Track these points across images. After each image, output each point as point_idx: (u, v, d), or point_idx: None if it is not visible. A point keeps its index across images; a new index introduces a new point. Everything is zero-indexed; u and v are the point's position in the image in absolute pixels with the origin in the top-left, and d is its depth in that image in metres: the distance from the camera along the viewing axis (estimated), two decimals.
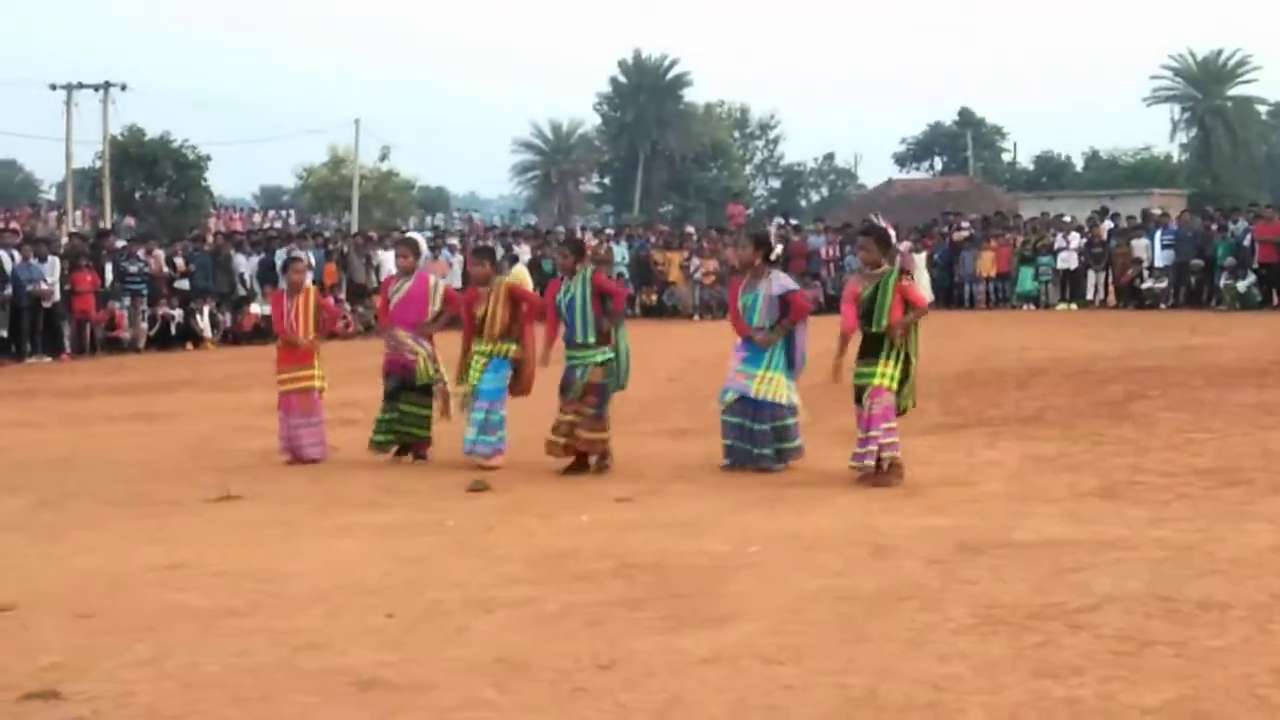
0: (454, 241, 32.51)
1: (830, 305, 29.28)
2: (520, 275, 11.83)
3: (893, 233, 10.50)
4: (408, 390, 11.41)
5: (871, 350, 9.89)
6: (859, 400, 9.91)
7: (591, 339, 10.62)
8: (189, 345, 25.83)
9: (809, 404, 10.93)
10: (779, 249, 11.56)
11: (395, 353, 11.51)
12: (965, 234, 32.88)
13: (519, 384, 11.20)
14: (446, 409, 11.47)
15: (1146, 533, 7.98)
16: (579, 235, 13.06)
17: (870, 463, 9.80)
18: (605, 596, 6.80)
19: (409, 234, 14.93)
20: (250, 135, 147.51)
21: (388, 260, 29.54)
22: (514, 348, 11.11)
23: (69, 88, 42.77)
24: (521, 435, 11.16)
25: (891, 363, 9.82)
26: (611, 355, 10.68)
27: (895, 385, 9.82)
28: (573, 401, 10.57)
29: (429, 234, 34.22)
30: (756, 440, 10.48)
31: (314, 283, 12.39)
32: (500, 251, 30.17)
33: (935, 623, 6.19)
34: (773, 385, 10.47)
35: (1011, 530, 8.12)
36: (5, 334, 23.29)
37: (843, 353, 10.09)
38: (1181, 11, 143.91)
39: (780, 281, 10.82)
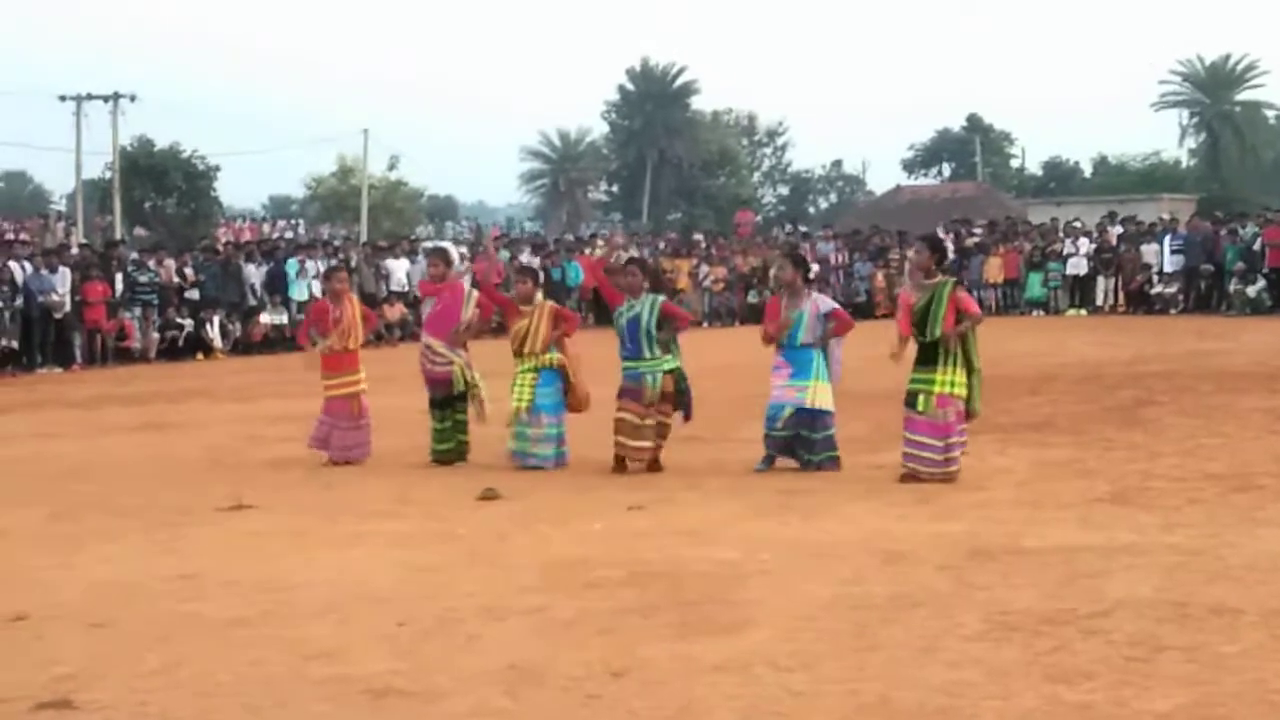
0: (463, 249, 32.47)
1: None
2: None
3: (950, 244, 10.96)
4: (455, 399, 11.67)
5: (928, 358, 10.16)
6: (911, 404, 10.13)
7: (656, 354, 10.98)
8: (199, 355, 25.87)
9: None
10: (816, 268, 12.24)
11: (431, 367, 11.66)
12: (976, 239, 32.83)
13: (574, 401, 11.46)
14: (482, 413, 11.67)
15: (1158, 538, 7.98)
16: (647, 259, 13.51)
17: (955, 469, 10.08)
18: (617, 604, 6.80)
19: (439, 243, 15.04)
20: (259, 145, 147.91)
21: (397, 269, 29.59)
22: (556, 355, 11.39)
23: (78, 99, 42.90)
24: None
25: (952, 369, 10.09)
26: (678, 363, 11.10)
27: (964, 390, 10.12)
28: (650, 406, 10.93)
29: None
30: (814, 448, 10.73)
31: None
32: (506, 257, 30.29)
33: (947, 629, 6.19)
34: (822, 394, 10.75)
35: (1023, 536, 8.12)
36: (16, 345, 23.34)
37: (903, 347, 10.40)
38: (1190, 17, 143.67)
39: (825, 302, 11.27)
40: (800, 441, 10.76)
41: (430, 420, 11.77)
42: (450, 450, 11.66)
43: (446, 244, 14.55)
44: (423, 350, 11.78)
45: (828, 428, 10.77)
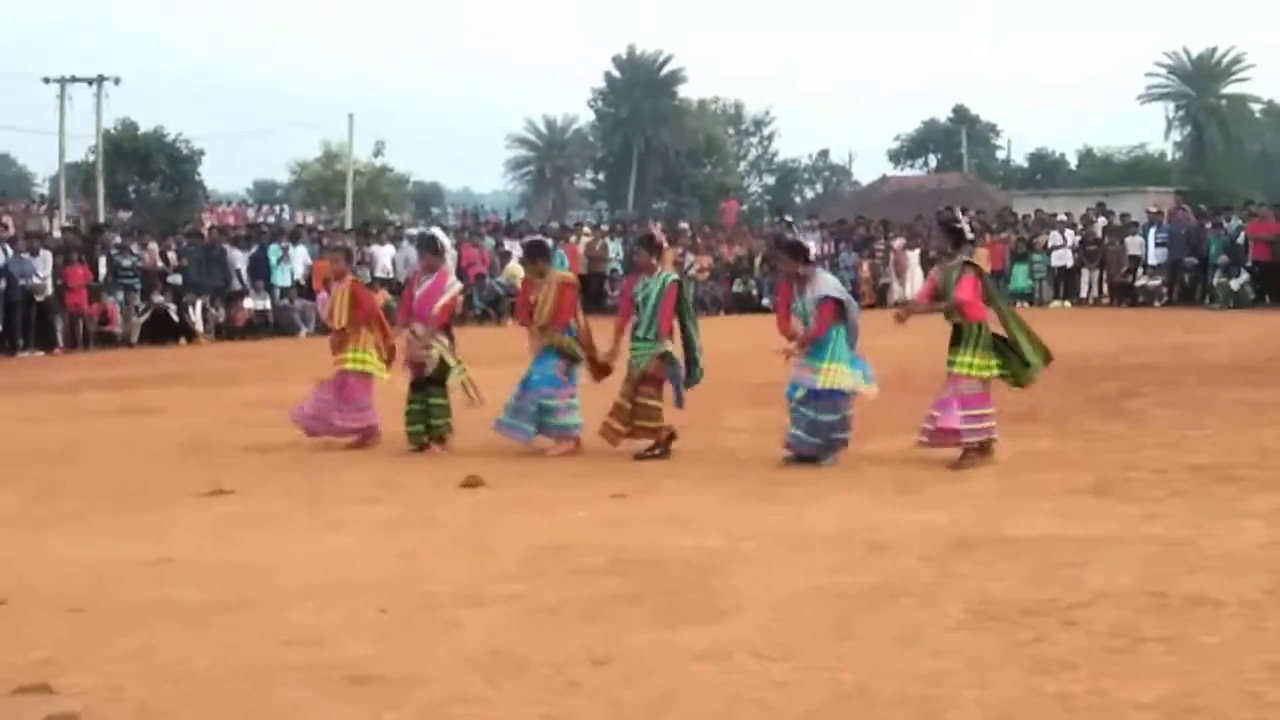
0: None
1: None
2: (514, 271, 11.94)
3: (964, 225, 11.33)
4: (429, 383, 11.70)
5: (953, 338, 10.50)
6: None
7: (651, 335, 11.05)
8: (181, 340, 25.75)
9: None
10: (814, 250, 11.85)
11: (411, 354, 11.75)
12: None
13: (595, 369, 11.48)
14: (477, 395, 11.71)
15: (1139, 529, 7.99)
16: (653, 233, 13.18)
17: (977, 439, 10.38)
18: (600, 592, 6.79)
19: (432, 231, 15.14)
20: (244, 129, 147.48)
21: (382, 256, 29.48)
22: (557, 336, 11.37)
23: (63, 81, 42.71)
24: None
25: (970, 351, 10.36)
26: (670, 348, 11.13)
27: (986, 371, 10.41)
28: (628, 386, 11.01)
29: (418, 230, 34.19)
30: (826, 429, 10.61)
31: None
32: (490, 244, 30.28)
33: (928, 619, 6.19)
34: (835, 376, 10.58)
35: (1005, 526, 8.12)
36: None
37: (906, 313, 11.03)
38: (1176, 9, 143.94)
39: (819, 287, 10.76)
40: (812, 424, 10.57)
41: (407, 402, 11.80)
42: (419, 432, 11.67)
43: (438, 232, 14.63)
44: (409, 335, 11.83)
45: (837, 410, 10.57)
